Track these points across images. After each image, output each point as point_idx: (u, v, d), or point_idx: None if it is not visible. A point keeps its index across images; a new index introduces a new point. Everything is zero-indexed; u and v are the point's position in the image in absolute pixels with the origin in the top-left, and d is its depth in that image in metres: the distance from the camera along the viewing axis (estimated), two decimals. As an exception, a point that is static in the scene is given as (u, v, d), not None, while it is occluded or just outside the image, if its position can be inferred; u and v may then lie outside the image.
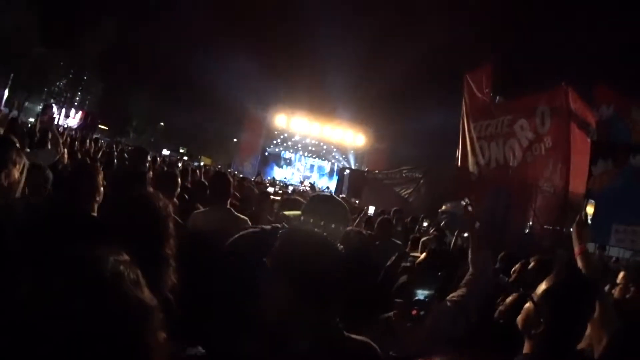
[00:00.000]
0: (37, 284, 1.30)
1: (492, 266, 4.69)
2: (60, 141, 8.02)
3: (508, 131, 16.00)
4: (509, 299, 3.97)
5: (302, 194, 21.93)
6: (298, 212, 3.48)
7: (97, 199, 3.82)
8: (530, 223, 14.43)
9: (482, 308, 3.76)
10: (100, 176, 3.97)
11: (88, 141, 13.35)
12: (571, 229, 9.81)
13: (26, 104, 25.31)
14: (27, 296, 1.27)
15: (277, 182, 36.93)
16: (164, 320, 1.41)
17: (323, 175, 47.42)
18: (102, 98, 34.78)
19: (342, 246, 2.19)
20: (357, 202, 24.35)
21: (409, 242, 7.58)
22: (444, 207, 17.49)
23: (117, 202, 3.21)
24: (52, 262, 1.34)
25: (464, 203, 4.67)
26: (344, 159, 46.68)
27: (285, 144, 46.41)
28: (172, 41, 35.63)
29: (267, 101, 43.13)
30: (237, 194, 8.07)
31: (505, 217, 14.56)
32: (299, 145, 46.46)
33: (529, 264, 5.45)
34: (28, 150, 7.06)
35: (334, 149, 46.58)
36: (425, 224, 13.88)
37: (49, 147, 7.72)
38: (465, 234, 13.33)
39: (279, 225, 3.68)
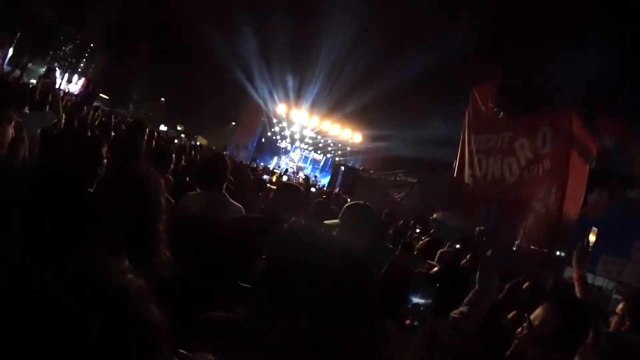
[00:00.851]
0: (39, 289, 1.24)
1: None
2: (60, 105, 7.96)
3: (508, 148, 15.97)
4: (510, 315, 3.95)
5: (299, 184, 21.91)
6: (337, 221, 3.77)
7: (99, 171, 3.77)
8: (518, 241, 14.43)
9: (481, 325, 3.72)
10: (104, 149, 3.93)
11: (86, 108, 13.19)
12: (557, 252, 9.83)
13: (30, 65, 25.08)
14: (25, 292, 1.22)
15: (274, 169, 36.96)
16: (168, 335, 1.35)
17: (317, 168, 47.38)
18: (106, 67, 34.61)
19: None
20: (349, 199, 24.28)
21: (400, 247, 7.52)
22: (435, 215, 17.56)
23: (110, 177, 3.21)
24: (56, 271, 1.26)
25: (477, 230, 4.76)
26: (340, 154, 46.71)
27: (282, 133, 46.36)
28: (181, 20, 35.37)
29: (270, 89, 43.02)
30: (232, 178, 7.98)
31: (495, 232, 14.58)
32: (296, 136, 46.42)
33: (521, 283, 5.43)
34: (27, 111, 6.98)
35: (331, 144, 46.59)
36: (417, 230, 13.89)
37: (48, 110, 7.67)
38: (458, 245, 13.38)
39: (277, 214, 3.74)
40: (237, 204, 5.22)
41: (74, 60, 31.91)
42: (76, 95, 22.86)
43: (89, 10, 26.73)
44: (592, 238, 4.75)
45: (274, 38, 40.49)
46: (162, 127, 37.46)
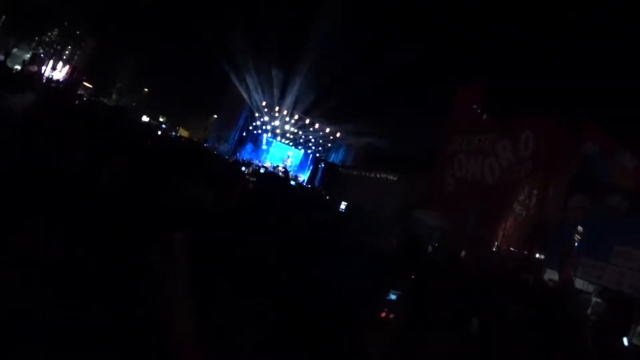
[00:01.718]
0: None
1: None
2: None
3: (489, 149, 16.08)
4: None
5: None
6: None
7: None
8: (498, 243, 14.55)
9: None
10: None
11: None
12: (537, 255, 9.93)
13: (14, 50, 24.58)
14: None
15: (252, 163, 36.82)
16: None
17: (297, 163, 47.31)
18: (91, 56, 34.20)
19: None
20: (327, 196, 24.40)
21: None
22: (414, 214, 17.64)
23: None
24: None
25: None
26: (320, 150, 46.70)
27: (264, 127, 46.17)
28: (167, 12, 35.11)
29: (253, 82, 42.80)
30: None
31: (474, 233, 14.69)
32: (278, 131, 46.29)
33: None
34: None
35: (312, 139, 46.56)
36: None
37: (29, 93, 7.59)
38: (435, 243, 13.43)
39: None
40: None
41: (59, 47, 31.38)
42: (60, 82, 22.54)
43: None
44: (577, 238, 4.82)
45: (258, 31, 40.36)
46: (144, 118, 37.19)
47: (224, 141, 44.26)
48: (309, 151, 47.32)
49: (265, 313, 2.68)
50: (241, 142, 46.00)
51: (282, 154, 46.68)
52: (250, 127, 46.17)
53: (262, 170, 29.28)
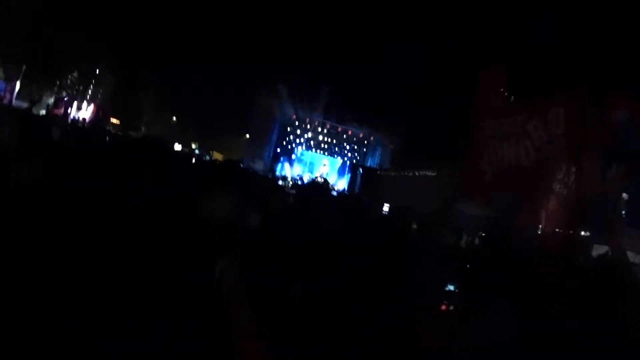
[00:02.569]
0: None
1: None
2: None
3: (521, 131, 15.76)
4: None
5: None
6: None
7: None
8: (541, 225, 14.20)
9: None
10: None
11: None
12: (582, 232, 9.65)
13: (37, 96, 25.36)
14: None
15: (291, 178, 37.07)
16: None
17: (334, 171, 47.34)
18: (114, 92, 34.93)
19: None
20: (366, 201, 24.38)
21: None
22: (456, 206, 17.40)
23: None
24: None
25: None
26: (356, 156, 46.65)
27: (297, 140, 46.41)
28: (185, 37, 35.69)
29: (279, 97, 43.08)
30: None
31: (516, 218, 14.37)
32: (311, 143, 46.47)
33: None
34: None
35: (347, 146, 46.57)
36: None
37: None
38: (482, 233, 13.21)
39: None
40: None
41: (81, 87, 32.23)
42: (87, 122, 23.14)
43: (90, 35, 27.00)
44: (622, 207, 4.63)
45: (282, 45, 40.66)
46: (177, 146, 37.72)
47: (259, 159, 44.61)
48: (346, 158, 47.31)
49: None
50: (276, 159, 46.30)
51: (318, 164, 46.82)
52: (284, 142, 46.46)
53: (299, 183, 29.39)
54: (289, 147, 46.76)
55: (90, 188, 3.63)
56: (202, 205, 3.88)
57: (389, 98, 38.09)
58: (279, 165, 46.03)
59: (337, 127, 45.25)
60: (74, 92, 31.25)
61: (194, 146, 45.30)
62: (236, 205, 4.24)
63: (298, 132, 45.80)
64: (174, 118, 48.19)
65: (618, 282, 2.86)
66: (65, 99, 27.31)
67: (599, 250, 10.62)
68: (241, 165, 28.02)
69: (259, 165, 42.85)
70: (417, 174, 32.10)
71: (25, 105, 19.27)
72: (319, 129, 45.82)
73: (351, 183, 43.65)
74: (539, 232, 14.11)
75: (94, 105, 31.45)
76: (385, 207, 16.45)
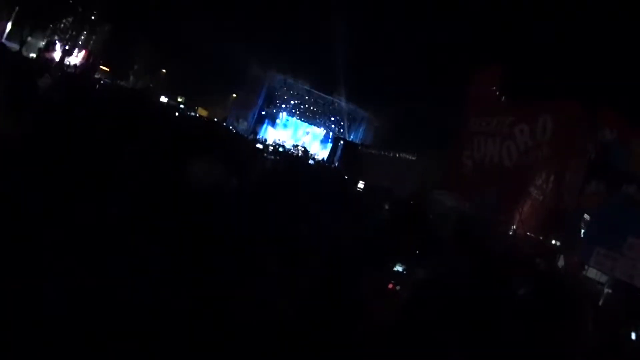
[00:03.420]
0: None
1: None
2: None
3: (507, 132, 15.95)
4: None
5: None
6: None
7: None
8: (514, 227, 14.49)
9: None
10: None
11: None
12: (553, 241, 9.90)
13: (29, 38, 24.69)
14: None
15: (273, 142, 36.97)
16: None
17: (316, 140, 47.32)
18: (106, 40, 34.21)
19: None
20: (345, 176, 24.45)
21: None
22: (432, 194, 17.60)
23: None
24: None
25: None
26: (339, 129, 46.60)
27: (283, 106, 46.15)
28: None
29: (269, 61, 42.66)
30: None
31: (490, 215, 14.63)
32: (296, 110, 46.26)
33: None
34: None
35: (332, 118, 46.47)
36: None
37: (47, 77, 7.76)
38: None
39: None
40: None
41: (74, 32, 31.39)
42: (77, 67, 22.70)
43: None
44: (583, 225, 4.81)
45: (276, 7, 40.09)
46: (163, 99, 37.23)
47: (243, 120, 44.35)
48: (329, 130, 47.27)
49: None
50: (260, 121, 46.06)
51: (301, 132, 46.73)
52: (269, 106, 46.17)
53: (280, 149, 29.38)
54: (274, 111, 46.51)
55: (75, 143, 3.68)
56: (181, 166, 3.92)
57: (380, 76, 37.99)
58: (263, 127, 45.83)
59: (324, 98, 45.08)
60: (67, 37, 30.47)
61: (180, 100, 44.79)
62: (215, 167, 4.33)
63: (285, 97, 45.53)
64: (164, 70, 47.43)
65: (561, 296, 2.96)
66: (58, 43, 26.66)
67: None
68: (224, 125, 27.80)
69: (242, 126, 42.62)
70: (397, 155, 32.23)
71: (15, 46, 18.77)
72: (306, 97, 45.61)
73: (331, 154, 43.69)
74: (510, 233, 14.41)
75: (85, 52, 30.82)
76: (360, 185, 16.54)
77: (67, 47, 28.91)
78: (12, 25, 25.22)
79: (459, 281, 3.94)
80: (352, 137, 45.37)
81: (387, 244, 4.77)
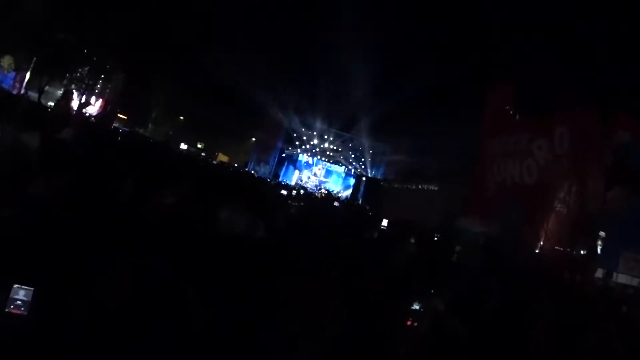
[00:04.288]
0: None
1: None
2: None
3: (526, 149, 15.85)
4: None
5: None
6: None
7: None
8: (541, 243, 14.27)
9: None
10: None
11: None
12: (581, 252, 9.68)
13: (47, 88, 25.51)
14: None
15: (295, 185, 37.11)
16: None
17: (339, 180, 47.44)
18: (123, 88, 34.95)
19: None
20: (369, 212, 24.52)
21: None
22: (457, 222, 17.40)
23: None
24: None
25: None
26: (360, 166, 46.68)
27: (303, 147, 46.49)
28: (195, 37, 35.70)
29: (288, 104, 43.15)
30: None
31: (517, 236, 14.42)
32: (316, 149, 46.54)
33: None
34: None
35: (352, 155, 46.61)
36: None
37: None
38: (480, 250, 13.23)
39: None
40: None
41: (90, 82, 32.24)
42: (94, 117, 23.25)
43: (103, 31, 27.05)
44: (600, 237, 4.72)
45: (291, 52, 40.75)
46: (183, 146, 37.78)
47: (265, 163, 44.68)
48: (350, 167, 47.38)
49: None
50: (281, 163, 46.36)
51: (322, 172, 46.90)
52: (289, 148, 46.53)
53: (302, 192, 29.52)
54: (294, 152, 46.85)
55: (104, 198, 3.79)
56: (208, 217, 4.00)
57: (396, 110, 38.05)
58: (284, 169, 46.12)
59: (343, 135, 45.33)
60: (83, 86, 31.33)
61: (199, 146, 45.38)
62: (241, 216, 4.37)
63: (304, 138, 45.87)
64: (181, 117, 48.15)
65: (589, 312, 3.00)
66: (75, 92, 27.46)
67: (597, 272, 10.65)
68: (246, 170, 27.92)
69: (263, 169, 42.94)
70: (420, 187, 32.17)
71: (34, 95, 19.40)
72: (325, 136, 45.90)
73: (354, 192, 43.71)
74: (539, 250, 14.18)
75: (102, 100, 31.58)
76: (384, 223, 16.45)
77: (84, 96, 29.67)
78: (31, 74, 26.14)
79: (487, 309, 3.98)
80: (373, 172, 45.37)
81: (411, 279, 4.82)
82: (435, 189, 29.82)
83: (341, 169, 47.88)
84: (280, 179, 40.55)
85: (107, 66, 33.56)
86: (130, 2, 28.72)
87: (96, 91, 33.63)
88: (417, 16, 35.32)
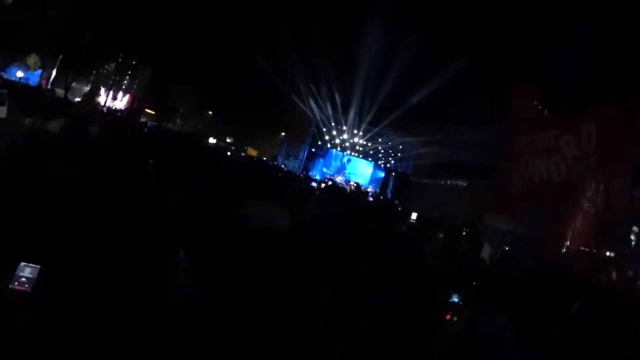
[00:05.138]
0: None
1: None
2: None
3: (553, 146, 15.53)
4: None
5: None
6: None
7: None
8: (567, 242, 13.96)
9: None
10: None
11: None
12: (606, 253, 9.45)
13: (74, 84, 25.96)
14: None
15: (323, 178, 37.07)
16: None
17: (368, 175, 47.24)
18: (149, 84, 35.33)
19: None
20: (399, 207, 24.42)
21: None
22: (484, 219, 17.19)
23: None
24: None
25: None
26: (390, 160, 46.44)
27: (332, 142, 46.42)
28: (226, 32, 35.84)
29: (319, 97, 43.07)
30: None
31: (542, 235, 14.15)
32: (347, 144, 46.41)
33: None
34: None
35: (381, 150, 46.38)
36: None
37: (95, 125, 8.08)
38: (507, 247, 13.09)
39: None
40: None
41: (117, 78, 32.65)
42: (122, 112, 23.57)
43: (130, 28, 27.32)
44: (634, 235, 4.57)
45: (321, 46, 40.62)
46: (211, 140, 37.94)
47: (294, 158, 44.74)
48: (380, 162, 47.16)
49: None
50: (310, 158, 46.35)
51: (352, 167, 46.73)
52: (319, 142, 46.50)
53: (330, 184, 29.46)
54: (324, 147, 46.81)
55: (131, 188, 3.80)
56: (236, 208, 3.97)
57: (425, 105, 37.68)
58: (313, 164, 46.10)
59: (372, 130, 45.09)
60: (110, 82, 31.78)
61: (228, 140, 45.64)
62: (269, 207, 4.34)
63: (334, 133, 45.78)
64: (210, 112, 48.37)
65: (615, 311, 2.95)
66: (102, 88, 27.94)
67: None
68: (275, 164, 28.05)
69: (293, 164, 43.01)
70: (448, 182, 31.90)
71: (61, 92, 19.76)
72: (354, 131, 45.73)
73: (383, 187, 43.54)
74: (564, 250, 13.88)
75: (129, 96, 31.97)
76: (413, 216, 16.41)
77: (111, 92, 30.11)
78: (57, 71, 26.67)
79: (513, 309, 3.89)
80: (402, 167, 45.11)
81: (443, 273, 4.74)
82: (464, 184, 29.55)
83: (370, 164, 47.66)
84: (309, 173, 40.54)
85: (134, 63, 33.94)
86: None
87: (123, 87, 34.10)
88: (446, 12, 34.89)
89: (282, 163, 41.59)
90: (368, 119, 44.12)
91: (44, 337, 2.37)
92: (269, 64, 37.69)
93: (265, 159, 37.36)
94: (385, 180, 44.48)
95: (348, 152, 46.95)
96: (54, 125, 6.84)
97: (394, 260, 4.15)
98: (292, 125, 45.93)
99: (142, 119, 22.82)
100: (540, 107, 17.28)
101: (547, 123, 16.73)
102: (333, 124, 45.34)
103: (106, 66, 31.39)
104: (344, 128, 45.71)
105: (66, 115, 7.75)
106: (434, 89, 35.51)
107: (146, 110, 33.57)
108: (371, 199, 23.69)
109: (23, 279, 2.40)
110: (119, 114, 21.47)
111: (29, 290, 2.40)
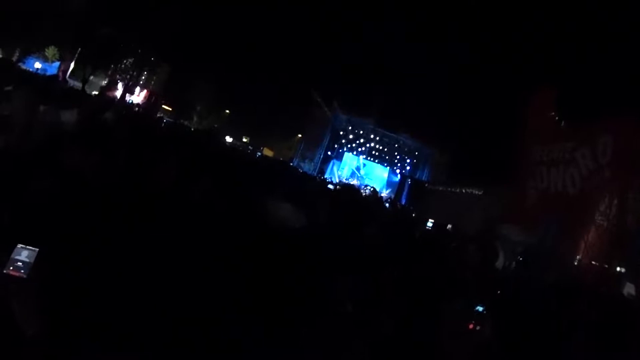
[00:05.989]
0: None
1: None
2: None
3: (569, 158, 15.35)
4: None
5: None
6: None
7: None
8: (579, 256, 13.79)
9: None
10: None
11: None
12: (617, 268, 9.34)
13: (91, 77, 26.21)
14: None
15: (340, 183, 37.07)
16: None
17: (383, 180, 47.14)
18: (167, 80, 35.47)
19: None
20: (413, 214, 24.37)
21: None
22: (498, 229, 17.06)
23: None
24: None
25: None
26: (405, 167, 46.32)
27: (349, 145, 46.40)
28: (245, 31, 36.00)
29: (334, 101, 43.08)
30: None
31: (555, 247, 14.00)
32: (362, 149, 46.38)
33: None
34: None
35: (397, 156, 46.28)
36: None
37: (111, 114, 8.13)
38: (520, 258, 12.99)
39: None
40: None
41: (135, 73, 32.82)
42: (139, 106, 23.73)
43: (149, 24, 27.47)
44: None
45: (339, 49, 40.67)
46: (228, 139, 38.04)
47: (310, 160, 44.82)
48: (395, 167, 47.04)
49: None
50: (326, 160, 46.37)
51: (367, 171, 46.66)
52: (335, 146, 46.49)
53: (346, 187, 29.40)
54: (340, 150, 46.81)
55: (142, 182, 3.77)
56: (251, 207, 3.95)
57: (443, 113, 37.63)
58: (329, 167, 46.11)
59: (389, 136, 45.03)
60: (128, 77, 31.99)
61: (245, 140, 45.82)
62: (284, 208, 4.31)
63: (350, 136, 45.77)
64: (227, 111, 48.57)
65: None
66: (119, 82, 28.13)
67: (631, 288, 10.27)
68: (291, 165, 28.04)
69: (308, 166, 43.09)
70: (463, 191, 31.74)
71: (78, 84, 19.95)
72: (371, 136, 45.67)
73: (398, 193, 43.40)
74: (575, 264, 13.72)
75: (147, 91, 32.18)
76: (429, 223, 16.38)
77: (128, 86, 30.30)
78: (75, 64, 26.97)
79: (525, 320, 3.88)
80: (418, 174, 44.97)
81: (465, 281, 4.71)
82: (479, 193, 29.42)
83: (386, 169, 47.55)
84: (325, 176, 40.56)
85: (152, 59, 34.11)
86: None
87: (141, 82, 34.29)
88: (465, 23, 34.86)
89: (298, 165, 41.66)
90: (386, 124, 44.11)
91: (39, 330, 2.30)
92: (289, 64, 37.86)
93: (281, 159, 37.47)
94: (400, 186, 44.36)
95: (364, 156, 46.91)
96: (67, 115, 6.89)
97: (416, 267, 4.18)
98: (309, 128, 45.98)
99: (159, 114, 22.85)
100: (557, 118, 17.11)
101: (563, 134, 16.55)
102: (350, 128, 45.34)
103: (125, 60, 31.54)
104: (361, 132, 45.68)
105: (81, 105, 7.79)
106: (451, 96, 35.45)
107: (163, 106, 33.77)
108: (387, 204, 23.61)
109: (19, 264, 2.30)
110: (136, 108, 21.62)
111: (24, 276, 2.30)
